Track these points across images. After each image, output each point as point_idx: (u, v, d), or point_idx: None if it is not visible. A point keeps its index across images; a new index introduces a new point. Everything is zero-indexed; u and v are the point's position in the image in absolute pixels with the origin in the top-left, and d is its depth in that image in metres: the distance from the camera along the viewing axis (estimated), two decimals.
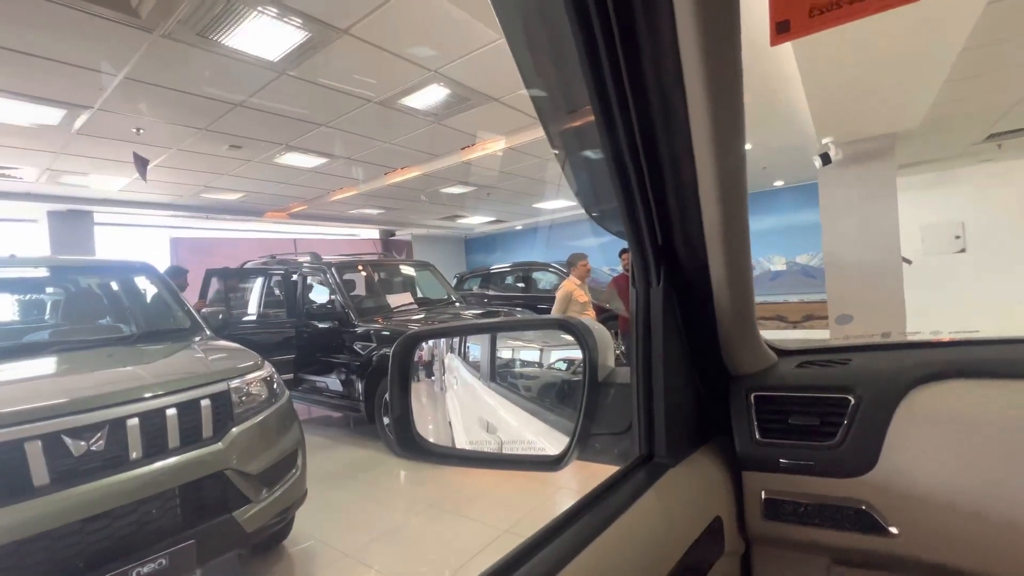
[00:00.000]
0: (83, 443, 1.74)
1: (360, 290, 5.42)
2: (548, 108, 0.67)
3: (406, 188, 7.69)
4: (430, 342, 0.88)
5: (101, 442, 1.78)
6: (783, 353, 0.74)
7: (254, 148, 5.53)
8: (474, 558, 2.51)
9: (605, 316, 5.54)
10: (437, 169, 6.62)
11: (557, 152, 0.70)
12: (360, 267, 5.43)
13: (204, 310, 3.30)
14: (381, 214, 10.08)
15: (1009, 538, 0.50)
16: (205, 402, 2.09)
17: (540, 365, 0.83)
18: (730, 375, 0.69)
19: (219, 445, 2.07)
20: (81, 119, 4.43)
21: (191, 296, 5.01)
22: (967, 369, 0.60)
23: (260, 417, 2.29)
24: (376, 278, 5.53)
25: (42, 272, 3.02)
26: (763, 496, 0.63)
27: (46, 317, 2.94)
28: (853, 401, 0.61)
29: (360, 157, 6.11)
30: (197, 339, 2.80)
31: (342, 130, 5.10)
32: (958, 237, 7.43)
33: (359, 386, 4.33)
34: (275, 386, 2.49)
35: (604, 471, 0.59)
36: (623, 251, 6.08)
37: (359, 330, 4.47)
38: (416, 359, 0.82)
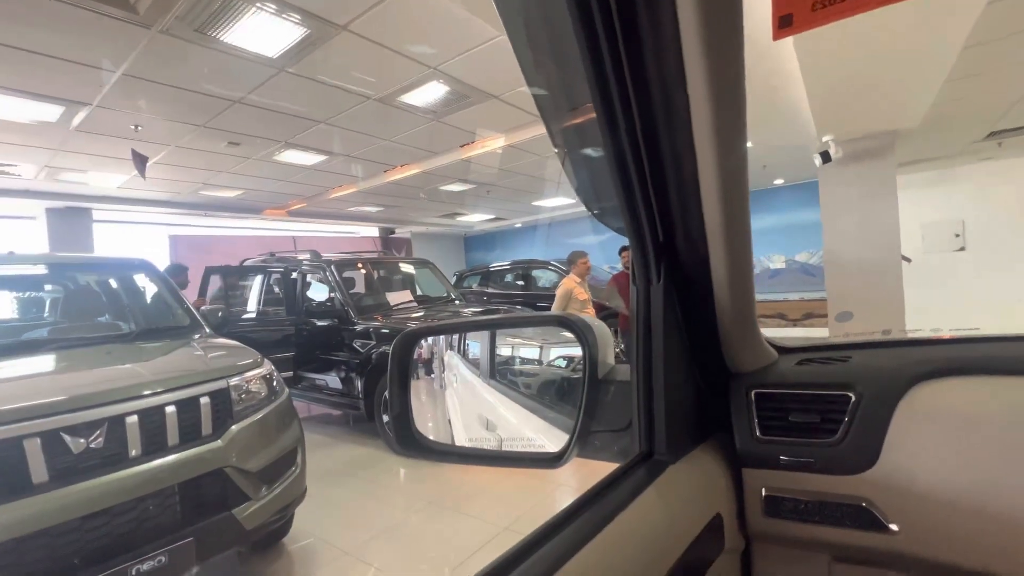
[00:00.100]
0: (82, 440, 1.74)
1: (359, 288, 5.42)
2: (550, 105, 0.67)
3: (405, 186, 7.68)
4: (430, 340, 0.88)
5: (100, 439, 1.78)
6: (783, 350, 0.74)
7: (253, 145, 5.52)
8: (474, 555, 2.51)
9: (605, 314, 5.54)
10: (436, 166, 6.61)
11: (558, 149, 0.70)
12: (359, 265, 5.43)
13: (203, 308, 3.30)
14: (380, 212, 10.07)
15: (1009, 535, 0.50)
16: (204, 399, 2.08)
17: (540, 362, 0.83)
18: (730, 372, 0.69)
19: (218, 442, 2.07)
20: (79, 116, 4.41)
21: (191, 294, 5.01)
22: (968, 366, 0.60)
23: (259, 415, 2.29)
24: (375, 276, 5.53)
25: (40, 269, 3.02)
26: (763, 493, 0.63)
27: (45, 314, 2.94)
28: (854, 398, 0.61)
29: (359, 154, 6.10)
30: (196, 337, 2.80)
31: (341, 127, 5.09)
32: (958, 235, 7.43)
33: (358, 384, 4.33)
34: (274, 384, 2.49)
35: (604, 468, 0.59)
36: (623, 249, 6.07)
37: (358, 328, 4.47)
38: (416, 356, 0.82)
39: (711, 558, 0.57)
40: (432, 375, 0.87)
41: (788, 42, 3.02)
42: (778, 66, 3.66)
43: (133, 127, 4.77)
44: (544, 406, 0.77)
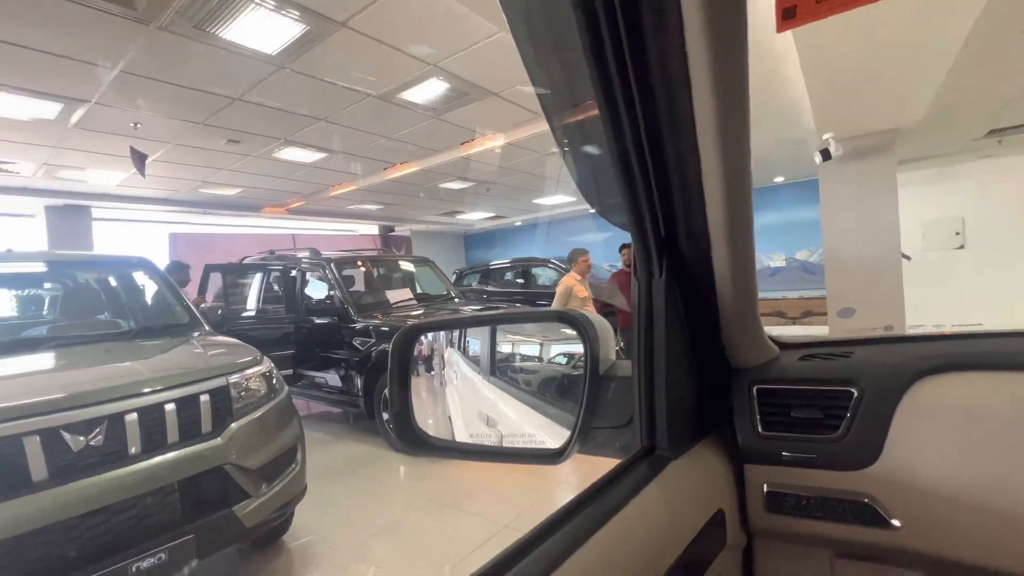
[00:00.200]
0: (82, 438, 1.74)
1: (359, 286, 5.42)
2: (552, 101, 0.66)
3: (405, 184, 7.67)
4: (429, 336, 0.88)
5: (100, 437, 1.78)
6: (785, 346, 0.74)
7: (252, 143, 5.51)
8: (474, 553, 2.52)
9: (605, 312, 5.54)
10: (436, 164, 6.60)
11: (561, 145, 0.69)
12: (359, 263, 5.42)
13: (203, 305, 3.30)
14: (380, 210, 10.06)
15: (1012, 530, 0.50)
16: (204, 397, 2.08)
17: (540, 359, 0.83)
18: (732, 368, 0.69)
19: (218, 440, 2.07)
20: (78, 113, 4.40)
21: (192, 291, 5.01)
22: (970, 362, 0.60)
23: (259, 412, 2.29)
24: (375, 274, 5.53)
25: (39, 267, 3.01)
26: (765, 489, 0.63)
27: (44, 312, 2.93)
28: (856, 394, 0.61)
29: (359, 152, 6.09)
30: (196, 334, 2.80)
31: (341, 125, 5.08)
32: (958, 233, 7.43)
33: (358, 382, 4.33)
34: (274, 381, 2.49)
35: (605, 464, 0.58)
36: (623, 247, 6.07)
37: (358, 326, 4.46)
38: (416, 353, 0.81)
39: (713, 554, 0.57)
40: (432, 372, 0.87)
41: (789, 39, 3.01)
42: (778, 66, 3.65)
43: (132, 124, 4.76)
44: (545, 402, 0.77)
